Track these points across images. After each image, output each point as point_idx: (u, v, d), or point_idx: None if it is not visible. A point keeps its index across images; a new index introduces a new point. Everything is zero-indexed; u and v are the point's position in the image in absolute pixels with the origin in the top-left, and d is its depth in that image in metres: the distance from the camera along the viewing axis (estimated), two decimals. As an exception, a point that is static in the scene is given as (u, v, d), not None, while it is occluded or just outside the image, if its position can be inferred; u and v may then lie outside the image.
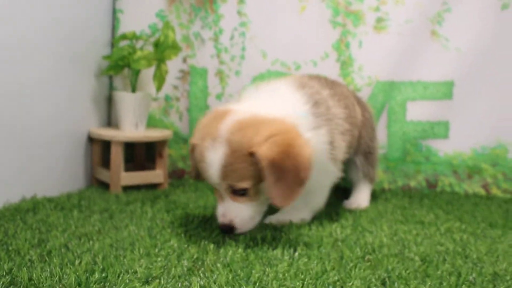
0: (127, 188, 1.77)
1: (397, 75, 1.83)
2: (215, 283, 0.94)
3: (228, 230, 1.21)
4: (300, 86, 1.32)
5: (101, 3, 1.87)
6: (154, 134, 1.78)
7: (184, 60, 1.93)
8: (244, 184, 1.15)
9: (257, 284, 0.94)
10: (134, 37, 1.81)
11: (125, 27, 1.92)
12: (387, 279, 1.00)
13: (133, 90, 1.82)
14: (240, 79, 1.90)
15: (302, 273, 1.00)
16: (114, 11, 1.93)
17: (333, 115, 1.35)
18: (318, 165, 1.23)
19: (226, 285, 0.93)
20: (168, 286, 0.92)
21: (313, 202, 1.41)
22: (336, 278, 0.99)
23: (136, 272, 0.98)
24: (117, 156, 1.73)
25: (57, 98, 1.63)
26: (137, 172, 1.79)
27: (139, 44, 1.84)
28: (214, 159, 1.14)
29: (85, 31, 1.77)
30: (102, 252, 1.09)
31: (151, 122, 1.94)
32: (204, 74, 1.92)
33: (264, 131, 1.12)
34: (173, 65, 1.90)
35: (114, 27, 1.94)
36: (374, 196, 1.74)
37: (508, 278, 1.03)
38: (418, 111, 1.83)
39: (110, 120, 1.97)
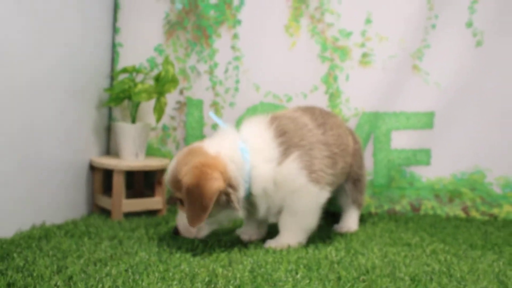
0: (127, 215, 1.85)
1: (382, 106, 1.97)
2: (230, 303, 1.03)
3: (174, 232, 1.48)
4: (271, 120, 1.49)
5: (102, 38, 1.97)
6: (154, 163, 1.87)
7: (181, 92, 2.03)
8: (179, 195, 1.40)
9: (269, 304, 1.04)
10: (134, 70, 1.91)
11: (124, 60, 2.02)
12: (383, 298, 1.11)
13: (133, 121, 1.92)
14: (234, 110, 2.01)
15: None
16: (114, 45, 2.03)
17: (309, 142, 1.47)
18: (298, 188, 1.42)
19: (240, 305, 1.02)
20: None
21: (304, 224, 1.50)
22: (337, 297, 1.09)
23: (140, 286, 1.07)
24: (118, 184, 1.81)
25: (61, 130, 1.72)
26: (137, 199, 1.87)
27: (138, 77, 1.94)
28: (168, 172, 1.45)
29: (86, 66, 1.86)
30: (120, 277, 1.17)
31: (149, 151, 2.03)
32: (200, 106, 2.03)
33: (192, 162, 1.37)
34: (171, 97, 2.01)
35: (113, 60, 2.04)
36: (362, 220, 1.86)
37: (490, 294, 1.15)
38: (402, 140, 1.97)
39: (109, 149, 2.06)
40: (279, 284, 1.16)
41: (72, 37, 1.75)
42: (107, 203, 1.86)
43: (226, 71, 2.02)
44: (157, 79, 1.84)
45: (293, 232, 1.51)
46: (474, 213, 1.95)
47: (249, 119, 1.54)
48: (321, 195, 1.48)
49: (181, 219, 1.45)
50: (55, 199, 1.70)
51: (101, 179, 1.92)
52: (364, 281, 1.21)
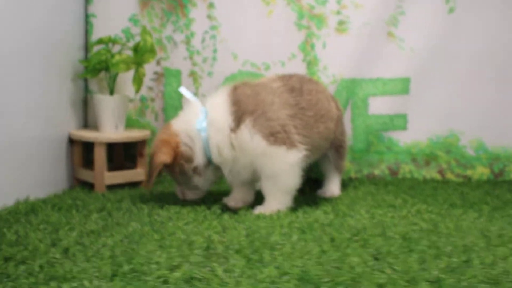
0: (110, 187, 1.83)
1: (359, 73, 1.99)
2: (234, 266, 1.05)
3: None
4: (232, 89, 1.57)
5: (74, 8, 1.91)
6: (135, 135, 1.85)
7: (158, 63, 2.01)
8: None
9: (272, 265, 1.06)
10: (110, 41, 1.87)
11: (98, 31, 1.97)
12: (378, 255, 1.14)
13: (111, 92, 1.89)
14: (213, 79, 2.00)
15: (306, 254, 1.13)
16: (87, 16, 1.98)
17: (266, 105, 1.53)
18: (261, 152, 1.48)
19: (245, 268, 1.04)
20: (194, 271, 1.02)
21: (284, 186, 1.53)
22: (335, 256, 1.13)
23: (158, 262, 1.08)
24: (100, 157, 1.79)
25: (37, 104, 1.67)
26: (119, 171, 1.85)
27: (115, 48, 1.90)
28: None
29: (59, 37, 1.81)
30: (117, 247, 1.17)
31: (128, 123, 2.01)
32: (178, 76, 2.01)
33: (157, 137, 1.61)
34: (148, 67, 1.97)
35: (87, 31, 1.99)
36: (343, 185, 1.89)
37: (476, 248, 1.20)
38: (379, 106, 2.00)
39: (87, 122, 2.02)
40: (276, 247, 1.19)
41: (43, 8, 1.68)
42: (88, 176, 1.84)
43: (203, 40, 2.00)
44: (135, 49, 1.81)
45: (277, 196, 1.54)
46: (449, 175, 2.02)
47: (215, 91, 1.62)
48: (290, 156, 1.51)
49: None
50: (36, 174, 1.67)
51: (81, 152, 1.89)
52: (357, 241, 1.25)
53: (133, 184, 1.89)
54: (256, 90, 1.57)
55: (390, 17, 1.98)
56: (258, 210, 1.52)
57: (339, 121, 1.75)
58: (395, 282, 0.99)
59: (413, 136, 2.02)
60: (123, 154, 2.02)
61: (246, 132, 1.49)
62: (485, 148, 2.02)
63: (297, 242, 1.22)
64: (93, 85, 2.01)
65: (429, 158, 2.02)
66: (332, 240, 1.26)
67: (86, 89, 2.01)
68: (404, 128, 2.02)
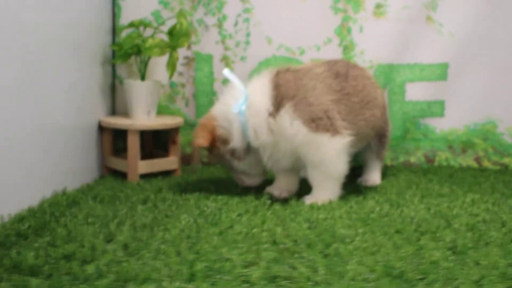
0: (142, 176, 1.76)
1: (396, 58, 1.94)
2: (315, 262, 0.99)
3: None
4: (276, 74, 1.51)
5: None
6: (169, 122, 1.78)
7: (189, 47, 1.93)
8: None
9: (353, 260, 1.00)
10: (142, 24, 1.78)
11: (126, 14, 1.89)
12: (454, 249, 1.09)
13: (143, 78, 1.81)
14: (246, 64, 1.93)
15: (380, 248, 1.08)
16: (114, -2, 1.89)
17: (307, 90, 1.47)
18: (304, 140, 1.43)
19: (327, 265, 0.98)
20: (274, 269, 0.96)
21: (331, 173, 1.48)
22: (411, 250, 1.07)
23: (229, 259, 1.01)
24: (134, 145, 1.72)
25: (68, 91, 1.58)
26: (152, 160, 1.78)
27: (147, 32, 1.82)
28: None
29: (87, 20, 1.72)
30: (178, 242, 1.10)
31: (158, 109, 1.93)
32: (209, 60, 1.93)
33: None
34: (178, 52, 1.89)
35: (114, 15, 1.90)
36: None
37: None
38: (416, 92, 1.95)
39: (115, 109, 1.94)
40: (346, 241, 1.13)
41: None
42: (120, 165, 1.76)
43: (236, 24, 1.92)
44: (171, 32, 1.73)
45: (325, 184, 1.49)
46: (486, 163, 1.98)
47: (257, 74, 1.56)
48: (335, 142, 1.45)
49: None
50: (69, 164, 1.59)
51: (111, 140, 1.82)
52: (423, 233, 1.20)
53: (166, 173, 1.82)
54: (298, 75, 1.51)
55: (429, 0, 1.91)
56: (309, 199, 1.47)
57: (384, 109, 1.69)
58: (489, 279, 0.94)
59: (450, 123, 1.97)
60: (152, 141, 1.95)
61: (286, 117, 1.44)
62: (523, 135, 1.98)
63: (365, 235, 1.17)
64: (120, 70, 1.93)
65: (466, 146, 1.98)
66: (398, 232, 1.21)
67: (114, 75, 1.93)
68: (441, 115, 1.97)
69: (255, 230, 1.20)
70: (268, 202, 1.45)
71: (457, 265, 1.00)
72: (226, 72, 1.57)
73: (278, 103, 1.45)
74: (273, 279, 0.93)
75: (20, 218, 1.24)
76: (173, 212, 1.35)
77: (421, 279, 0.93)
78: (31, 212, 1.28)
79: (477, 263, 1.01)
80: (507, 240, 1.15)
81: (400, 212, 1.37)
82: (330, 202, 1.45)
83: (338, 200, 1.49)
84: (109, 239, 1.13)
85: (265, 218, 1.30)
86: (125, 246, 1.09)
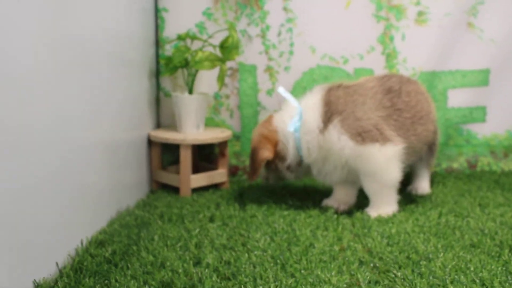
0: (193, 190, 1.77)
1: (438, 65, 1.95)
2: (412, 282, 1.00)
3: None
4: (327, 90, 1.54)
5: (144, 3, 1.81)
6: (220, 135, 1.78)
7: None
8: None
9: (445, 277, 1.02)
10: (189, 36, 1.78)
11: (170, 26, 1.88)
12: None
13: (190, 91, 1.81)
14: (290, 74, 1.94)
15: (468, 264, 1.09)
16: (158, 10, 1.88)
17: (356, 105, 1.50)
18: (353, 153, 1.45)
19: (423, 283, 1.00)
20: (370, 287, 0.97)
21: (386, 182, 1.49)
22: (499, 267, 1.09)
23: (327, 282, 1.03)
24: (186, 159, 1.72)
25: (118, 104, 1.56)
26: (203, 173, 1.78)
27: (195, 44, 1.81)
28: None
29: (132, 33, 1.71)
30: (270, 265, 1.11)
31: (203, 122, 1.93)
32: (253, 71, 1.94)
33: (259, 131, 1.58)
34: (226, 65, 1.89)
35: (157, 26, 1.89)
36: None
37: None
38: (458, 98, 1.97)
39: (160, 122, 1.94)
40: (431, 257, 1.15)
41: (111, 3, 1.54)
42: (170, 179, 1.77)
43: (279, 34, 1.92)
44: (222, 46, 1.73)
45: (382, 194, 1.50)
46: (527, 167, 2.01)
47: (311, 90, 1.59)
48: (386, 150, 1.46)
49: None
50: (124, 180, 1.58)
51: (159, 154, 1.82)
52: (501, 246, 1.22)
53: (214, 186, 1.83)
54: (349, 91, 1.54)
55: (470, 7, 1.93)
56: (373, 212, 1.48)
57: (436, 122, 1.71)
58: None
59: (492, 128, 2.00)
60: (198, 154, 1.95)
61: (334, 132, 1.47)
62: (562, 138, 2.00)
63: (446, 250, 1.19)
64: (165, 82, 1.92)
65: (508, 150, 2.00)
66: (476, 246, 1.23)
67: (158, 88, 1.92)
68: (483, 120, 1.99)
69: (335, 247, 1.21)
70: (334, 216, 1.46)
71: (552, 282, 1.02)
72: (281, 90, 1.59)
73: (327, 119, 1.48)
74: (381, 303, 0.95)
75: (99, 242, 1.24)
76: (245, 230, 1.35)
77: (527, 299, 0.95)
78: (107, 235, 1.28)
79: None
80: None
81: (467, 223, 1.39)
82: (395, 215, 1.47)
83: (401, 211, 1.50)
84: (196, 262, 1.14)
85: (340, 234, 1.31)
86: (217, 270, 1.10)
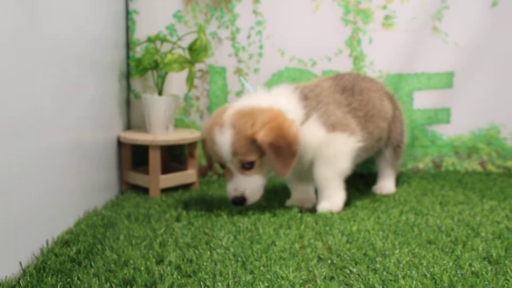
0: (162, 190, 1.79)
1: (404, 68, 2.00)
2: (368, 279, 1.04)
3: (240, 202, 1.48)
4: (295, 87, 1.57)
5: (115, 5, 1.82)
6: (189, 136, 1.81)
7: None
8: (252, 157, 1.44)
9: (405, 275, 1.06)
10: (159, 39, 1.80)
11: (141, 29, 1.91)
12: (490, 257, 1.16)
13: (160, 93, 1.83)
14: (259, 76, 1.97)
15: (422, 260, 1.14)
16: (128, 13, 1.90)
17: (325, 104, 1.55)
18: (322, 141, 1.50)
19: (383, 281, 1.04)
20: (331, 285, 1.01)
21: (339, 169, 1.54)
22: (451, 262, 1.13)
23: (285, 277, 1.06)
24: (155, 160, 1.74)
25: (88, 106, 1.58)
26: (172, 174, 1.81)
27: (165, 47, 1.84)
28: (224, 140, 1.43)
29: (102, 35, 1.72)
30: (230, 262, 1.14)
31: (173, 123, 1.96)
32: (223, 73, 1.97)
33: (260, 119, 1.42)
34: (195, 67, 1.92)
35: (128, 28, 1.91)
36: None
37: None
38: (424, 100, 2.02)
39: (130, 123, 1.96)
40: (387, 254, 1.19)
41: (82, 6, 1.56)
42: (140, 180, 1.79)
43: (249, 36, 1.96)
44: (191, 48, 1.76)
45: (333, 182, 1.54)
46: (490, 167, 2.07)
47: (274, 87, 1.61)
48: (351, 141, 1.53)
49: (247, 184, 1.47)
50: (93, 180, 1.60)
51: (130, 155, 1.84)
52: (455, 243, 1.26)
53: (184, 186, 1.85)
54: (316, 90, 1.58)
55: (435, 11, 1.98)
56: (326, 203, 1.52)
57: (396, 120, 1.75)
58: (532, 289, 1.00)
59: (456, 129, 2.05)
60: (168, 154, 1.98)
61: (314, 125, 1.50)
62: (523, 139, 2.07)
63: (402, 246, 1.23)
64: (135, 84, 1.94)
65: (471, 151, 2.06)
66: (431, 242, 1.27)
67: (129, 89, 1.94)
68: (447, 121, 2.05)
69: (296, 245, 1.25)
70: (298, 215, 1.50)
71: (498, 275, 1.06)
72: (242, 79, 1.63)
73: (307, 114, 1.52)
74: (334, 297, 0.98)
75: (65, 242, 1.25)
76: (210, 229, 1.38)
77: (474, 293, 0.99)
78: (73, 235, 1.30)
79: (517, 273, 1.08)
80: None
81: (426, 221, 1.43)
82: (357, 213, 1.51)
83: (364, 209, 1.55)
84: (159, 260, 1.16)
85: (302, 232, 1.35)
86: (178, 268, 1.12)
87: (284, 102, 1.51)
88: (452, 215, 1.49)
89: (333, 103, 1.57)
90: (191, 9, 1.93)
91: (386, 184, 1.81)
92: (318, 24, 1.96)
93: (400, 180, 1.93)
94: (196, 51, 1.74)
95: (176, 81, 1.93)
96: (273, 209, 1.57)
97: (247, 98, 1.54)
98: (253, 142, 1.42)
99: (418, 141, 2.05)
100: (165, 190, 1.80)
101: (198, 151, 1.96)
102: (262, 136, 1.40)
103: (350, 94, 1.62)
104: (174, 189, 1.83)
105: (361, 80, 1.69)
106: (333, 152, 1.52)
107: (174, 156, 1.99)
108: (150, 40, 1.80)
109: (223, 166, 1.51)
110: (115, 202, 1.66)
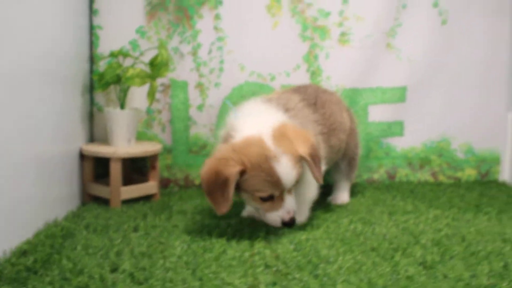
0: (123, 202, 1.83)
1: (360, 82, 2.09)
2: (309, 284, 1.11)
3: (293, 223, 1.44)
4: (268, 100, 1.57)
5: (79, 20, 1.87)
6: (150, 149, 1.86)
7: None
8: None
9: (342, 281, 1.13)
10: (121, 54, 1.86)
11: (104, 43, 1.96)
12: (425, 264, 1.24)
13: (122, 106, 1.88)
14: (220, 90, 2.03)
15: (361, 267, 1.21)
16: (92, 27, 1.95)
17: (305, 122, 1.57)
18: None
19: (318, 285, 1.10)
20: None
21: (307, 195, 1.59)
22: (388, 268, 1.21)
23: (232, 283, 1.12)
24: (116, 172, 1.79)
25: (48, 120, 1.61)
26: (133, 185, 1.86)
27: (128, 61, 1.89)
28: (287, 168, 1.38)
29: (64, 49, 1.77)
30: (182, 270, 1.20)
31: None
32: (185, 87, 2.03)
33: (291, 136, 1.42)
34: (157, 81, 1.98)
35: (92, 43, 1.96)
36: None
37: (505, 252, 1.32)
38: (378, 114, 2.11)
39: (93, 136, 2.00)
40: (331, 260, 1.26)
41: (47, 20, 1.61)
42: (102, 192, 1.83)
43: (210, 52, 2.02)
44: (152, 63, 1.81)
45: (301, 210, 1.59)
46: (441, 177, 2.16)
47: (248, 101, 1.60)
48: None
49: (293, 203, 1.45)
50: (54, 192, 1.64)
51: (92, 167, 1.88)
52: (396, 250, 1.34)
53: (145, 197, 1.90)
54: (292, 103, 1.60)
55: (389, 29, 2.08)
56: (300, 220, 1.58)
57: (352, 133, 1.83)
58: (458, 292, 1.08)
59: (409, 141, 2.15)
60: (130, 166, 2.02)
61: None
62: (473, 151, 2.17)
63: (346, 254, 1.30)
64: (98, 98, 1.99)
65: (423, 162, 2.16)
66: (374, 250, 1.34)
67: (92, 103, 1.99)
68: (401, 134, 2.14)
69: (246, 253, 1.31)
70: (252, 225, 1.56)
71: (429, 279, 1.14)
72: (228, 102, 1.59)
73: None
74: (274, 302, 1.04)
75: (22, 252, 1.30)
76: (166, 238, 1.44)
77: (403, 296, 1.06)
78: (31, 245, 1.34)
79: (445, 276, 1.16)
80: (468, 254, 1.30)
81: (372, 230, 1.51)
82: (309, 223, 1.58)
83: (316, 219, 1.62)
84: (113, 269, 1.21)
85: (253, 241, 1.41)
86: (131, 275, 1.17)
87: (281, 117, 1.49)
88: (398, 224, 1.57)
89: (310, 122, 1.59)
90: (154, 25, 1.99)
91: (341, 195, 1.88)
92: (277, 40, 2.04)
93: (355, 190, 2.01)
94: (157, 66, 1.80)
95: (139, 95, 1.98)
96: (228, 218, 1.62)
97: (251, 122, 1.46)
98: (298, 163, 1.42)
99: (373, 153, 2.13)
100: (126, 202, 1.85)
101: (160, 163, 2.01)
102: (303, 150, 1.41)
103: (314, 109, 1.66)
104: (136, 200, 1.87)
105: (322, 92, 1.76)
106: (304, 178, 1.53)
107: (137, 168, 2.04)
108: (112, 55, 1.85)
109: (268, 198, 1.42)
110: (76, 213, 1.70)
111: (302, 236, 1.44)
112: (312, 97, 1.70)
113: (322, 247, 1.35)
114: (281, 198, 1.42)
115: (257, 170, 1.37)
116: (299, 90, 1.73)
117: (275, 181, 1.38)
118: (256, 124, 1.44)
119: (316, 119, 1.64)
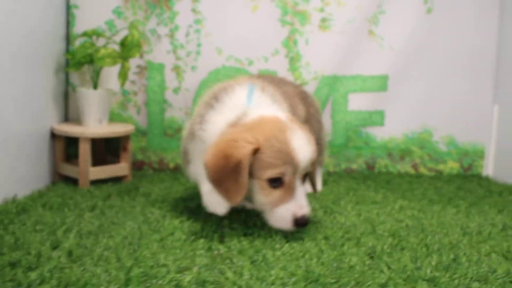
0: (93, 182, 1.83)
1: (340, 70, 2.05)
2: (242, 268, 1.09)
3: (306, 222, 1.27)
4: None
5: (55, -1, 1.87)
6: (120, 129, 1.85)
7: (141, 56, 2.00)
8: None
9: (278, 266, 1.10)
10: (95, 34, 1.84)
11: (80, 23, 1.94)
12: (372, 254, 1.21)
13: (95, 86, 1.87)
14: (196, 74, 2.01)
15: (305, 254, 1.18)
16: (69, 7, 1.94)
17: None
18: None
19: (252, 270, 1.08)
20: (204, 275, 1.05)
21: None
22: (333, 256, 1.18)
23: (165, 265, 1.10)
24: (85, 152, 1.78)
25: (19, 96, 1.62)
26: (103, 166, 1.85)
27: (99, 41, 1.88)
28: (303, 140, 1.29)
29: (40, 28, 1.76)
30: (120, 249, 1.18)
31: (110, 117, 2.00)
32: (161, 69, 2.01)
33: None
34: (131, 61, 1.96)
35: (68, 23, 1.95)
36: (324, 179, 1.96)
37: (461, 246, 1.28)
38: (358, 102, 2.07)
39: (67, 116, 2.00)
40: (276, 247, 1.23)
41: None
42: (71, 171, 1.82)
43: (187, 34, 2.00)
44: (122, 43, 1.80)
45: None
46: (422, 169, 2.12)
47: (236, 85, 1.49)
48: None
49: (304, 198, 1.30)
50: (20, 170, 1.64)
51: (63, 147, 1.87)
52: (349, 239, 1.31)
53: (117, 179, 1.89)
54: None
55: (372, 15, 2.03)
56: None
57: (310, 120, 1.72)
58: (395, 282, 1.05)
59: (390, 132, 2.10)
60: (105, 147, 2.01)
61: None
62: (456, 143, 2.12)
63: (295, 241, 1.27)
64: (74, 78, 1.98)
65: (404, 153, 2.11)
66: (327, 238, 1.31)
67: (67, 82, 1.98)
68: (381, 124, 2.10)
69: (193, 236, 1.29)
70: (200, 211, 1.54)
71: (370, 269, 1.11)
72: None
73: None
74: (203, 283, 1.02)
75: (-31, 226, 1.30)
76: (119, 219, 1.42)
77: (335, 283, 1.03)
78: (-20, 219, 1.34)
79: (389, 267, 1.13)
80: (422, 245, 1.27)
81: (332, 219, 1.48)
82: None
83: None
84: (55, 246, 1.20)
85: (205, 225, 1.39)
86: (70, 253, 1.16)
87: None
88: (360, 213, 1.54)
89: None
90: (131, 5, 1.97)
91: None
92: (255, 24, 2.01)
93: (330, 179, 1.98)
94: (128, 46, 1.78)
95: (114, 76, 1.97)
96: (190, 202, 1.61)
97: (257, 107, 1.37)
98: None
99: (352, 143, 2.09)
100: (96, 182, 1.84)
101: (134, 145, 2.00)
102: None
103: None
104: (106, 181, 1.87)
105: (283, 84, 1.70)
106: None
107: (112, 150, 2.03)
108: (86, 34, 1.84)
109: (278, 184, 1.27)
110: (43, 192, 1.70)
111: (257, 222, 1.42)
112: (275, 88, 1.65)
113: (273, 234, 1.32)
114: (292, 187, 1.27)
115: (272, 141, 1.25)
116: (263, 78, 1.68)
117: (289, 154, 1.25)
118: (260, 108, 1.36)
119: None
